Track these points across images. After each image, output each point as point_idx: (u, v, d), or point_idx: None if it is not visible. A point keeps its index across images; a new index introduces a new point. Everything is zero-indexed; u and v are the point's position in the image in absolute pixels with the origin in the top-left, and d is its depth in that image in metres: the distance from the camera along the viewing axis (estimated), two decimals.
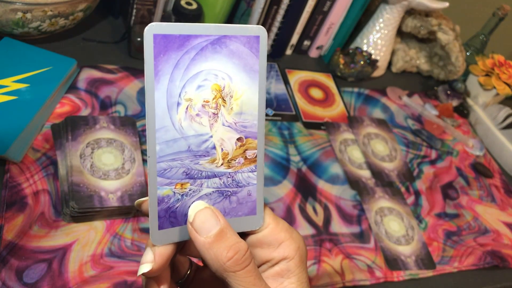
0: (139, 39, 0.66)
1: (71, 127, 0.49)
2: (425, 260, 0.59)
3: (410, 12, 0.85)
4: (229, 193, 0.30)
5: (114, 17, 0.74)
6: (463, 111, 0.88)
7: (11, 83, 0.53)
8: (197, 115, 0.27)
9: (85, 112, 0.57)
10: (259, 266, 0.31)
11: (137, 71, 0.66)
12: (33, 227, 0.45)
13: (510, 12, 0.90)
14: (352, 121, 0.74)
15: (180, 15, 0.69)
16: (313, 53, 0.86)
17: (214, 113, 0.28)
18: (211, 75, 0.27)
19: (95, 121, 0.50)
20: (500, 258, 0.63)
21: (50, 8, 0.57)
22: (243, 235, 0.30)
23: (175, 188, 0.28)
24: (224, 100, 0.28)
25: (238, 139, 0.29)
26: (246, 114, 0.29)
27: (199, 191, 0.29)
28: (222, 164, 0.29)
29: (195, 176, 0.28)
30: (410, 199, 0.67)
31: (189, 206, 0.27)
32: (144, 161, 0.55)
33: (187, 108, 0.27)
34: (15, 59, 0.56)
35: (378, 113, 0.79)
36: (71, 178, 0.46)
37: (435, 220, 0.66)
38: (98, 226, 0.48)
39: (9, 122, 0.50)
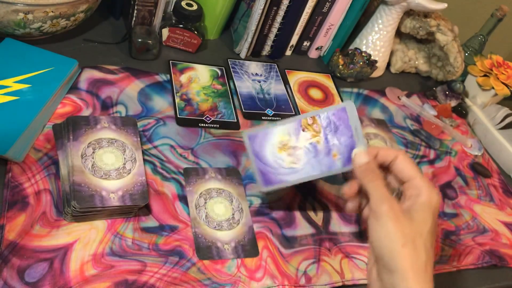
0: (139, 40, 0.66)
1: (72, 127, 0.49)
2: None
3: (409, 13, 0.85)
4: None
5: (115, 18, 0.74)
6: (461, 111, 0.89)
7: (13, 83, 0.54)
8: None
9: (86, 112, 0.58)
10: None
11: (138, 72, 0.66)
12: (34, 226, 0.46)
13: (508, 13, 0.90)
14: None
15: (180, 16, 0.70)
16: (313, 54, 0.87)
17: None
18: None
19: (96, 121, 0.51)
20: (498, 257, 0.64)
21: (51, 9, 0.57)
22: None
23: None
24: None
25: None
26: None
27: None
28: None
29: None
30: None
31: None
32: (145, 160, 0.55)
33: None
34: (16, 59, 0.57)
35: (377, 113, 0.80)
36: (73, 178, 0.46)
37: None
38: (99, 225, 0.48)
39: (11, 122, 0.50)
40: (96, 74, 0.62)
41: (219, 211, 0.54)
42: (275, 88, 0.75)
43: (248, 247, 0.52)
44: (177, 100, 0.65)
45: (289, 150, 0.52)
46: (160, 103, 0.64)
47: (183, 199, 0.54)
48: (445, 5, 0.79)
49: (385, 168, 0.50)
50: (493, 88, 0.87)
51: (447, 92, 0.88)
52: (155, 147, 0.58)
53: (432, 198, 0.45)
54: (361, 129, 0.50)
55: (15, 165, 0.49)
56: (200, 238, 0.51)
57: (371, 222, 0.45)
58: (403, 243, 0.43)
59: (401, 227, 0.43)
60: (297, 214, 0.58)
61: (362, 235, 0.59)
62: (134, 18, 0.69)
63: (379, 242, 0.44)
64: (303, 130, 0.51)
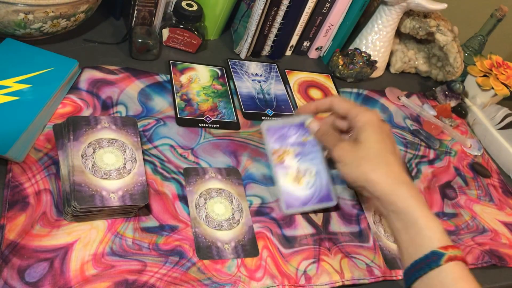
0: (140, 40, 0.67)
1: (72, 127, 0.49)
2: None
3: (409, 13, 0.85)
4: None
5: (115, 19, 0.74)
6: (461, 111, 0.89)
7: (13, 83, 0.54)
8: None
9: (86, 112, 0.58)
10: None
11: (138, 72, 0.66)
12: (35, 226, 0.46)
13: (508, 13, 0.90)
14: None
15: (180, 16, 0.70)
16: (313, 54, 0.87)
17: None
18: None
19: (96, 121, 0.51)
20: (498, 257, 0.64)
21: (52, 10, 0.57)
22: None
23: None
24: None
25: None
26: None
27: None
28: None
29: None
30: None
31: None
32: (145, 160, 0.55)
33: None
34: (17, 60, 0.57)
35: None
36: (73, 178, 0.46)
37: None
38: (100, 225, 0.48)
39: (11, 122, 0.50)
40: (97, 74, 0.62)
41: (219, 211, 0.54)
42: (275, 88, 0.75)
43: (248, 247, 0.52)
44: (177, 100, 0.65)
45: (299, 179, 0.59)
46: (160, 103, 0.64)
47: (183, 199, 0.54)
48: (445, 5, 0.79)
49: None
50: (492, 88, 0.87)
51: (446, 92, 0.88)
52: (155, 147, 0.58)
53: (367, 117, 0.53)
54: (297, 117, 0.60)
55: (16, 165, 0.49)
56: (200, 238, 0.51)
57: (337, 168, 0.54)
58: (360, 165, 0.52)
59: (354, 155, 0.52)
60: (297, 214, 0.58)
61: (362, 234, 0.60)
62: (134, 19, 0.69)
63: (349, 177, 0.53)
64: (283, 162, 0.59)
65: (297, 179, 0.58)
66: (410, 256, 0.49)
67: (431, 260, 0.46)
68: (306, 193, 0.58)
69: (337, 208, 0.61)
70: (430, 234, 0.47)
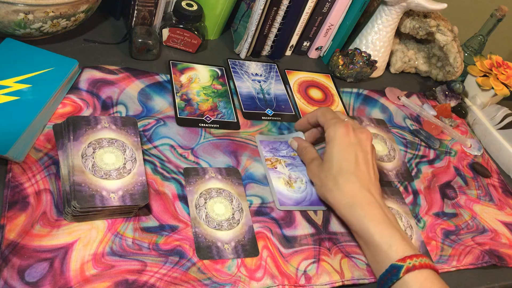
0: (140, 40, 0.67)
1: (72, 127, 0.49)
2: None
3: (409, 13, 0.85)
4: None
5: (115, 18, 0.74)
6: (461, 111, 0.89)
7: (13, 83, 0.54)
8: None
9: (86, 112, 0.58)
10: None
11: (138, 72, 0.66)
12: (35, 226, 0.46)
13: (508, 13, 0.90)
14: None
15: (180, 16, 0.70)
16: (313, 54, 0.87)
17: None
18: None
19: (96, 121, 0.51)
20: (498, 257, 0.64)
21: (52, 9, 0.57)
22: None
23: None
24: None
25: None
26: None
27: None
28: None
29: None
30: (409, 199, 0.67)
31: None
32: (145, 160, 0.55)
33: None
34: (17, 60, 0.57)
35: (377, 113, 0.80)
36: (73, 178, 0.46)
37: (434, 220, 0.66)
38: (100, 225, 0.48)
39: (11, 122, 0.50)
40: (97, 74, 0.62)
41: (219, 211, 0.54)
42: (275, 88, 0.75)
43: (248, 247, 0.52)
44: (177, 100, 0.65)
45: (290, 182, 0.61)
46: (160, 103, 0.64)
47: (183, 199, 0.54)
48: (445, 5, 0.79)
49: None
50: (492, 88, 0.87)
51: (446, 92, 0.88)
52: (155, 147, 0.58)
53: (333, 132, 0.54)
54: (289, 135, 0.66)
55: (16, 165, 0.49)
56: (200, 238, 0.51)
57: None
58: (322, 186, 0.55)
59: (318, 177, 0.56)
60: (297, 214, 0.58)
61: None
62: (134, 18, 0.69)
63: (321, 197, 0.57)
64: (275, 168, 0.61)
65: (289, 183, 0.60)
66: (376, 272, 0.51)
67: (392, 274, 0.47)
68: (298, 196, 0.60)
69: None
70: (386, 249, 0.49)
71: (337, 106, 0.78)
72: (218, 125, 0.65)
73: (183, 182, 0.56)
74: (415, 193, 0.69)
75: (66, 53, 0.61)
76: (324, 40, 0.85)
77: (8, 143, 0.48)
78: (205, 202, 0.54)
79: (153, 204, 0.52)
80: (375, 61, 0.83)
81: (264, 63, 0.79)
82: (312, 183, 0.61)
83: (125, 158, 0.50)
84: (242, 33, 0.76)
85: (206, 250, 0.50)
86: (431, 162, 0.76)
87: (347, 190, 0.52)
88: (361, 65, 0.81)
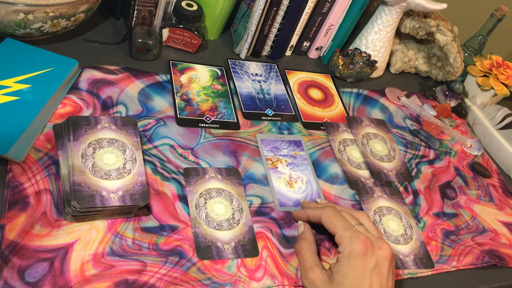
0: (140, 40, 0.67)
1: (72, 127, 0.49)
2: (424, 259, 0.60)
3: (409, 13, 0.85)
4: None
5: (115, 19, 0.74)
6: (461, 111, 0.89)
7: (13, 83, 0.54)
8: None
9: (86, 112, 0.58)
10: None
11: (138, 72, 0.66)
12: (35, 226, 0.46)
13: (508, 13, 0.90)
14: (351, 121, 0.74)
15: (180, 16, 0.70)
16: (313, 54, 0.87)
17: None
18: None
19: (96, 121, 0.51)
20: (498, 257, 0.64)
21: (52, 9, 0.57)
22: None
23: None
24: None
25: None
26: None
27: None
28: None
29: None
30: (409, 199, 0.67)
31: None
32: (145, 160, 0.55)
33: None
34: (17, 60, 0.57)
35: (377, 114, 0.80)
36: (73, 178, 0.46)
37: (434, 220, 0.66)
38: (100, 225, 0.48)
39: (11, 122, 0.50)
40: (97, 74, 0.62)
41: (219, 211, 0.54)
42: (275, 88, 0.75)
43: (248, 247, 0.52)
44: (177, 100, 0.65)
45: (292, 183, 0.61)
46: (160, 103, 0.64)
47: (183, 199, 0.54)
48: (445, 5, 0.79)
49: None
50: (492, 88, 0.87)
51: (446, 92, 0.88)
52: (155, 147, 0.58)
53: (349, 249, 0.48)
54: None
55: (16, 165, 0.49)
56: (200, 238, 0.51)
57: (303, 284, 0.50)
58: None
59: None
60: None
61: None
62: (134, 19, 0.69)
63: None
64: (276, 168, 0.62)
65: (289, 183, 0.61)
66: None
67: None
68: (298, 196, 0.60)
69: None
70: None
71: (337, 106, 0.78)
72: (218, 125, 0.65)
73: (183, 182, 0.56)
74: (415, 193, 0.69)
75: (66, 53, 0.61)
76: (324, 40, 0.85)
77: (8, 143, 0.48)
78: (205, 202, 0.54)
79: (153, 204, 0.52)
80: (375, 61, 0.83)
81: (264, 63, 0.79)
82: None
83: (125, 158, 0.50)
84: (242, 33, 0.76)
85: (206, 250, 0.50)
86: (431, 162, 0.76)
87: None
88: (361, 65, 0.81)
